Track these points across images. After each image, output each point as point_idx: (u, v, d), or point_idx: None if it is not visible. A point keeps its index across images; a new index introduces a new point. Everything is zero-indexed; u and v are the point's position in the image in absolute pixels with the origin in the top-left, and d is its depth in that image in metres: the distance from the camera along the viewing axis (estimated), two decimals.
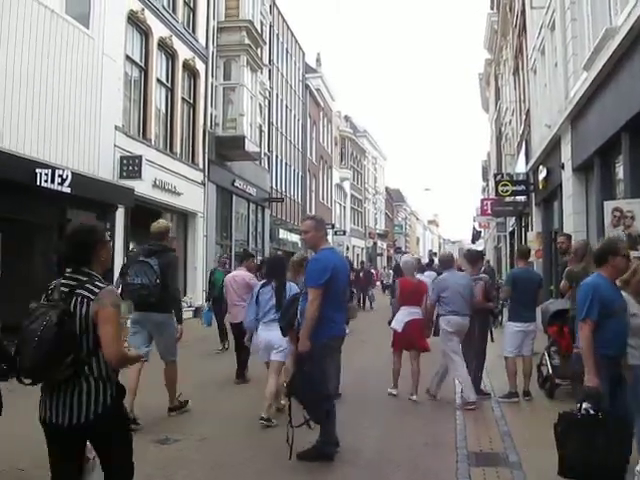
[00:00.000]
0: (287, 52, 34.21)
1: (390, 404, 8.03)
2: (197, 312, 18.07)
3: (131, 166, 15.47)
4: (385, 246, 66.06)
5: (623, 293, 4.74)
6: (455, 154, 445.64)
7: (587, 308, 4.50)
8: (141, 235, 17.52)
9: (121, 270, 7.25)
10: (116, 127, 15.43)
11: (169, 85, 19.16)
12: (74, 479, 3.33)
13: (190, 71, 20.65)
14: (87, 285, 3.24)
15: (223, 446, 5.86)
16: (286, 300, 6.61)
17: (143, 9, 16.79)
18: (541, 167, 15.70)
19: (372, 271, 32.50)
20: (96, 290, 3.22)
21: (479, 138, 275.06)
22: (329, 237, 33.99)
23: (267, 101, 29.13)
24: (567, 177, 12.52)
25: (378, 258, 59.71)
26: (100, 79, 14.58)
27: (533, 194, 18.19)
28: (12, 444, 5.52)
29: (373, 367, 10.23)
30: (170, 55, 19.11)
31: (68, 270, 3.35)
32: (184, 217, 20.44)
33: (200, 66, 21.05)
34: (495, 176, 22.40)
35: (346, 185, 50.32)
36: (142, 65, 17.34)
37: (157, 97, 18.30)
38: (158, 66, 18.25)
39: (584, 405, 4.10)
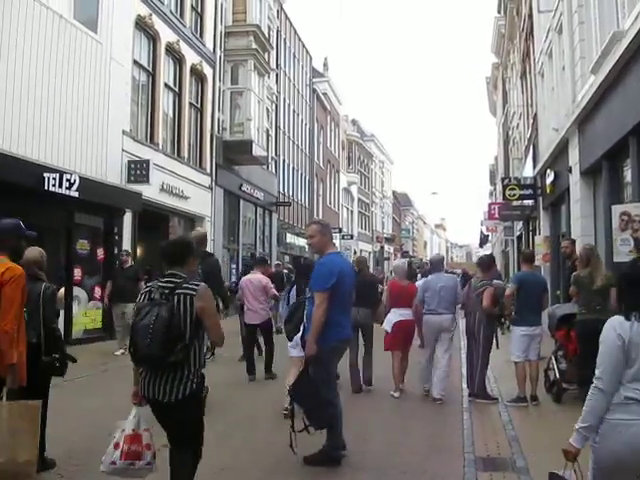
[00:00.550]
0: (294, 56, 34.27)
1: (396, 407, 8.02)
2: None
3: (139, 170, 15.52)
4: (392, 250, 65.91)
5: None
6: (462, 158, 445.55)
7: None
8: (149, 239, 17.63)
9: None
10: (124, 131, 15.49)
11: (177, 90, 19.22)
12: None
13: (198, 76, 20.72)
14: (185, 285, 3.91)
15: (228, 450, 5.83)
16: (292, 305, 6.61)
17: (151, 14, 16.87)
18: (549, 171, 15.64)
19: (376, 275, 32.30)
20: (195, 289, 3.89)
21: (486, 142, 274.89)
22: (336, 241, 34.02)
23: (274, 105, 29.18)
24: (575, 181, 12.48)
25: (385, 262, 59.61)
26: (108, 84, 14.65)
27: (541, 198, 18.13)
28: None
29: (377, 369, 10.24)
30: (178, 60, 19.18)
31: (165, 275, 4.04)
32: (191, 221, 20.47)
33: (207, 71, 21.11)
34: (502, 180, 22.34)
35: (353, 189, 50.31)
36: (150, 70, 17.41)
37: (165, 102, 18.36)
38: (166, 71, 18.31)
39: None
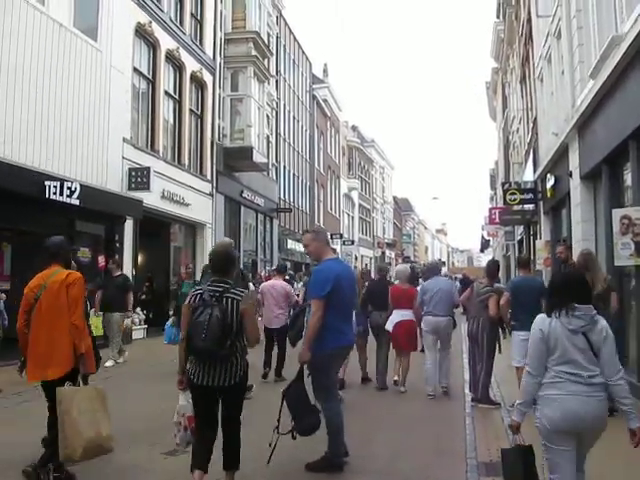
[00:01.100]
0: (294, 63, 34.35)
1: (399, 412, 8.02)
2: None
3: (139, 178, 15.55)
4: (393, 255, 65.91)
5: None
6: (463, 163, 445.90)
7: None
8: (150, 246, 17.66)
9: (200, 280, 9.19)
10: (124, 139, 15.52)
11: (177, 97, 19.27)
12: (214, 420, 4.73)
13: (197, 83, 20.77)
14: (232, 290, 4.63)
15: None
16: (293, 312, 6.67)
17: (151, 22, 16.93)
18: (549, 175, 15.65)
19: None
20: (241, 294, 4.64)
21: (487, 147, 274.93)
22: (337, 247, 34.03)
23: (274, 112, 29.24)
24: (575, 185, 12.48)
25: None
26: (108, 91, 14.69)
27: (541, 202, 18.13)
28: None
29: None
30: (178, 67, 19.23)
31: (213, 280, 4.73)
32: (192, 228, 20.50)
33: (207, 77, 21.17)
34: (503, 184, 22.34)
35: (354, 195, 50.34)
36: (150, 77, 17.46)
37: (165, 109, 18.41)
38: (166, 78, 18.37)
39: None
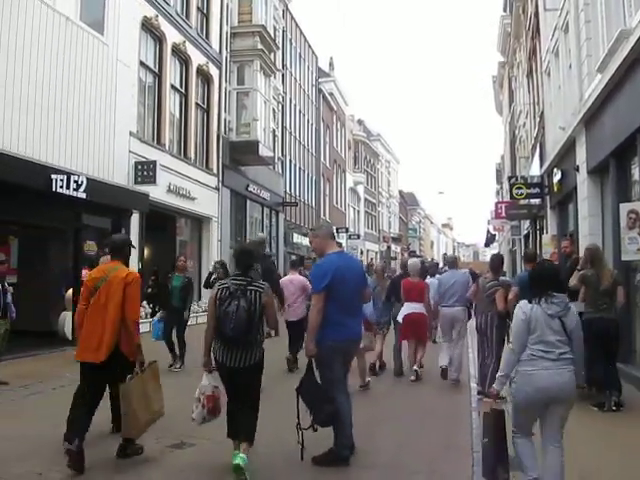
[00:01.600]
0: (300, 57, 34.30)
1: (405, 406, 8.02)
2: None
3: (146, 171, 15.58)
4: (399, 250, 65.83)
5: None
6: (469, 157, 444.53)
7: None
8: (156, 240, 17.67)
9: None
10: (130, 133, 15.54)
11: (183, 91, 19.27)
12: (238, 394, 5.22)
13: (204, 76, 20.76)
14: (254, 283, 5.22)
15: None
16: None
17: (157, 15, 16.93)
18: (555, 170, 15.59)
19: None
20: (262, 287, 5.22)
21: (493, 141, 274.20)
22: (343, 241, 34.00)
23: (280, 106, 29.21)
24: (582, 179, 12.43)
25: (392, 262, 59.57)
26: (114, 85, 14.70)
27: (548, 197, 18.07)
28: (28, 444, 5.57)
29: (388, 367, 10.39)
30: (184, 61, 19.23)
31: (236, 274, 5.35)
32: (198, 222, 20.53)
33: (214, 71, 21.16)
34: (509, 179, 22.28)
35: (360, 189, 50.31)
36: (156, 71, 17.46)
37: (171, 103, 18.41)
38: (172, 72, 18.36)
39: None
